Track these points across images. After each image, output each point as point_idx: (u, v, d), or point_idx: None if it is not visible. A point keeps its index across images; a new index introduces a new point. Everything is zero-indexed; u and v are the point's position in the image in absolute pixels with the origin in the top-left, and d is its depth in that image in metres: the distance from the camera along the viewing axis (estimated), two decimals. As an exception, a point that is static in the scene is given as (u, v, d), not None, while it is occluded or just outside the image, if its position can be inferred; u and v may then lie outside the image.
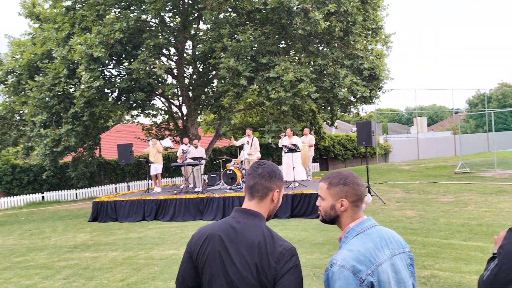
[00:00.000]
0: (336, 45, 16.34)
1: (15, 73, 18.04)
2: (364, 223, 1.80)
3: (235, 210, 1.88)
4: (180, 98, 19.93)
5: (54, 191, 20.19)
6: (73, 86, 15.80)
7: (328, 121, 21.56)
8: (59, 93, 15.48)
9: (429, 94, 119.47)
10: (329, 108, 19.02)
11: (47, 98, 15.66)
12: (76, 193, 20.42)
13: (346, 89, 15.79)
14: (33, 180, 20.40)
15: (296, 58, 17.99)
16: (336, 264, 1.65)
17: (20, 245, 9.72)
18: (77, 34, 15.24)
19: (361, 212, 1.84)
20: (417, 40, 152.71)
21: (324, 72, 16.23)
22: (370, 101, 18.07)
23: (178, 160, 13.88)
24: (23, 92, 17.25)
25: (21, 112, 18.25)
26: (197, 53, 18.11)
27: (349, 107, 18.74)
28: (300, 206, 10.47)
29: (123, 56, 16.74)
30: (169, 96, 19.38)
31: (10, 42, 19.15)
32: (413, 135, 31.73)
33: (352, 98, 17.25)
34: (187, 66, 20.03)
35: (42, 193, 20.05)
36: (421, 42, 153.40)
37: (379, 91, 17.98)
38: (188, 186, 13.41)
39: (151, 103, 19.06)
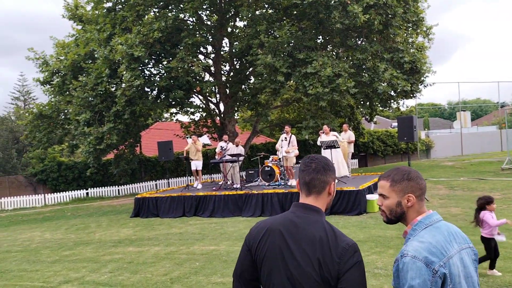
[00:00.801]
0: (375, 38, 15.99)
1: (60, 74, 18.74)
2: (431, 216, 1.78)
3: (294, 205, 1.86)
4: (218, 96, 20.10)
5: (97, 188, 20.88)
6: (114, 86, 16.23)
7: (367, 117, 21.16)
8: (101, 92, 15.94)
9: (473, 87, 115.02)
10: (368, 103, 18.65)
11: (90, 98, 16.16)
12: (118, 190, 21.04)
13: (386, 83, 15.43)
14: (77, 177, 21.18)
15: (334, 53, 17.74)
16: (408, 255, 1.65)
17: (67, 239, 10.10)
18: (118, 34, 15.63)
19: (425, 206, 1.82)
20: (460, 31, 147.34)
21: (363, 66, 15.91)
22: (411, 95, 17.58)
23: (216, 157, 14.00)
24: (67, 92, 17.87)
25: (66, 111, 18.91)
26: (234, 50, 18.18)
27: (389, 102, 18.30)
28: (339, 203, 10.32)
29: (162, 55, 17.04)
30: (207, 94, 19.58)
31: (55, 44, 19.90)
32: (457, 130, 30.66)
33: (392, 93, 16.84)
34: (224, 64, 20.16)
35: (87, 189, 20.77)
36: (464, 34, 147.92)
37: (421, 84, 17.47)
38: (226, 182, 13.51)
39: (190, 100, 19.32)
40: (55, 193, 20.11)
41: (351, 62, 15.84)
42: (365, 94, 16.78)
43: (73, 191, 20.48)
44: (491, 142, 29.43)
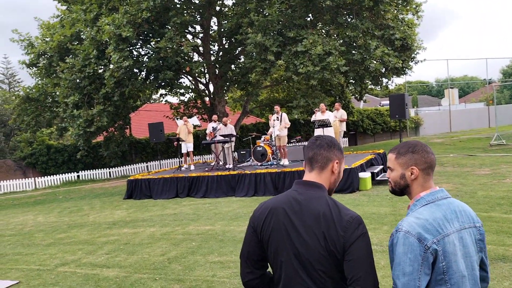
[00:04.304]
0: (365, 15, 15.89)
1: (46, 56, 18.34)
2: (435, 193, 1.76)
3: (296, 182, 1.87)
4: (207, 76, 19.92)
5: (88, 170, 20.75)
6: (102, 67, 15.97)
7: (357, 95, 21.18)
8: (89, 74, 15.69)
9: (460, 64, 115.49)
10: (359, 81, 18.65)
11: (78, 80, 15.91)
12: (109, 172, 20.94)
13: (377, 60, 15.39)
14: (67, 160, 21.01)
15: (324, 30, 17.61)
16: (402, 230, 1.66)
17: (61, 222, 10.07)
18: (105, 14, 15.29)
19: (432, 182, 1.81)
20: (448, 7, 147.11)
21: (354, 44, 15.84)
22: (403, 72, 17.59)
23: (207, 138, 13.96)
24: (54, 74, 17.55)
25: (54, 93, 18.59)
26: (223, 29, 17.95)
27: (380, 79, 18.28)
28: (332, 181, 10.39)
29: (150, 35, 16.76)
30: (196, 74, 19.39)
31: (40, 25, 19.42)
32: (445, 107, 30.92)
33: (383, 70, 16.82)
34: (213, 43, 19.92)
35: (77, 172, 20.64)
36: (452, 10, 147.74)
37: (412, 61, 17.47)
38: (219, 163, 13.51)
39: (179, 81, 19.13)
40: (46, 177, 19.94)
41: (342, 40, 15.75)
42: (356, 72, 16.75)
43: (63, 174, 20.34)
44: (479, 119, 29.76)
